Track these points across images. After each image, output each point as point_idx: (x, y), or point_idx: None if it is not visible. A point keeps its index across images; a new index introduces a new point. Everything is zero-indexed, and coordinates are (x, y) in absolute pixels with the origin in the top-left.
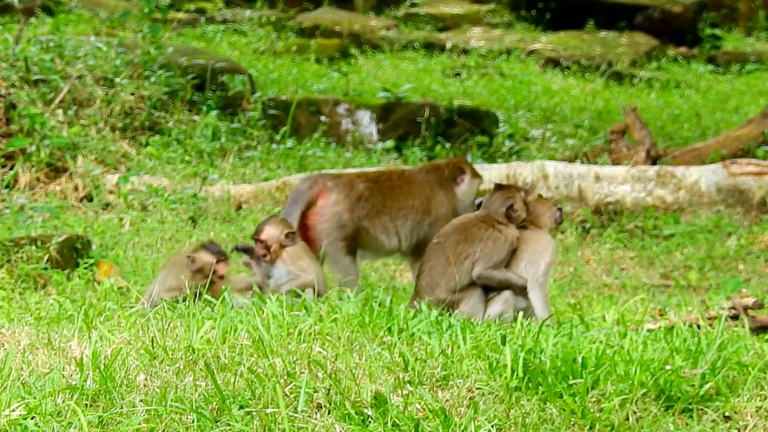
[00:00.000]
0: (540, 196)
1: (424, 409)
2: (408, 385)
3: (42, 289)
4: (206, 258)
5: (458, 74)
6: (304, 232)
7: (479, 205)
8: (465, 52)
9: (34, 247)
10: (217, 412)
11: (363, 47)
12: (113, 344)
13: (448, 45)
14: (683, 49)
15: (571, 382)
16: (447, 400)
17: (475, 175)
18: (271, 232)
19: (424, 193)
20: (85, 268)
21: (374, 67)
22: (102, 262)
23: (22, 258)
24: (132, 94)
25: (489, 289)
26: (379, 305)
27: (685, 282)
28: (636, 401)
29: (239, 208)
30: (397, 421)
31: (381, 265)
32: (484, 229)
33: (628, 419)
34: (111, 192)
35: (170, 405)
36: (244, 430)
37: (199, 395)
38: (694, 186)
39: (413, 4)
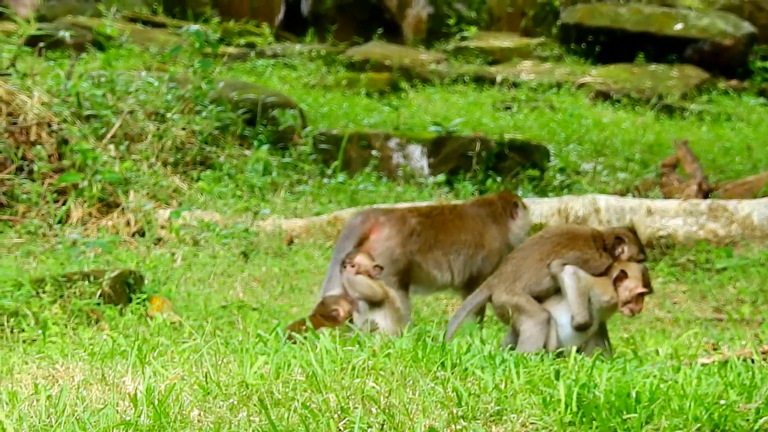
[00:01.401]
0: (637, 269)
1: None
2: (461, 420)
3: (95, 325)
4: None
5: (509, 108)
6: None
7: None
8: (515, 85)
9: (86, 283)
10: None
11: (413, 81)
12: (167, 380)
13: (499, 78)
14: (734, 82)
15: (625, 416)
16: None
17: (526, 207)
18: (363, 261)
19: (476, 227)
20: (138, 303)
21: (424, 100)
22: (154, 297)
23: (74, 293)
24: (183, 128)
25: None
26: (432, 340)
27: (738, 316)
28: None
29: (291, 242)
30: None
31: (433, 300)
32: (588, 246)
33: None
34: (163, 227)
35: None
36: None
37: (253, 431)
38: (746, 219)
39: (463, 38)
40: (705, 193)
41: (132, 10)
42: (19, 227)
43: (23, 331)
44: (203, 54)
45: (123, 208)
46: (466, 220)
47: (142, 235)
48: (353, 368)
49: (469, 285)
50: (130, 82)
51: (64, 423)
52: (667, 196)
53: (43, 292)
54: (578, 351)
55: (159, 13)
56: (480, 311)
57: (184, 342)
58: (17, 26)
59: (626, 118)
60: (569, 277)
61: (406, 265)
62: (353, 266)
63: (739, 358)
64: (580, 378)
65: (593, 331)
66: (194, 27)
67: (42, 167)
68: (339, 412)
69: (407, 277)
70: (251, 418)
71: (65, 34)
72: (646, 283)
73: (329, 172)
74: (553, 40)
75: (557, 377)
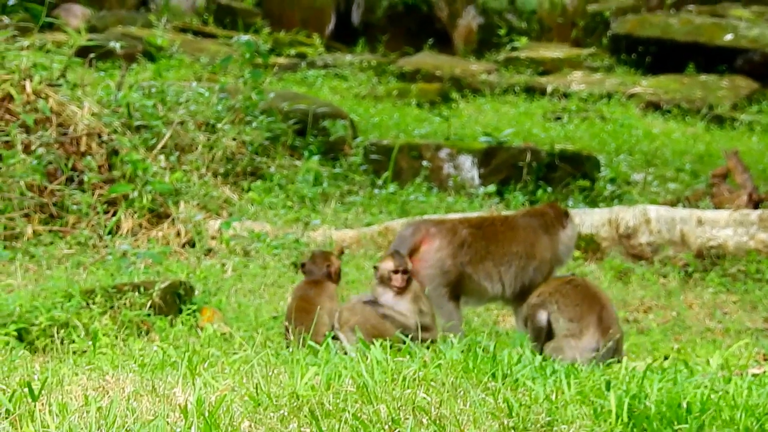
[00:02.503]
0: None
1: None
2: (512, 430)
3: (145, 336)
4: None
5: (559, 118)
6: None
7: None
8: (566, 95)
9: (137, 294)
10: None
11: (464, 91)
12: (217, 391)
13: (549, 89)
14: None
15: (676, 427)
16: None
17: (573, 218)
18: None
19: (528, 238)
20: (188, 314)
21: (475, 111)
22: (205, 308)
23: (125, 304)
24: (234, 139)
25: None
26: (483, 350)
27: None
28: None
29: (342, 253)
30: None
31: (484, 310)
32: None
33: None
34: (213, 238)
35: None
36: None
37: None
38: None
39: (514, 48)
40: (755, 204)
41: (182, 20)
42: (70, 238)
43: (73, 342)
44: (254, 64)
45: (173, 219)
46: (518, 231)
47: (193, 245)
48: (404, 379)
49: (520, 296)
50: (181, 93)
51: None
52: (718, 206)
53: (94, 303)
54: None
55: (209, 24)
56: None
57: (234, 353)
58: (68, 37)
59: (677, 128)
60: None
61: (457, 277)
62: (406, 274)
63: None
64: (631, 388)
65: None
66: (245, 37)
67: (92, 178)
68: (390, 423)
69: (458, 289)
70: (302, 429)
71: (116, 45)
72: None
73: (380, 182)
74: (604, 50)
75: (608, 388)
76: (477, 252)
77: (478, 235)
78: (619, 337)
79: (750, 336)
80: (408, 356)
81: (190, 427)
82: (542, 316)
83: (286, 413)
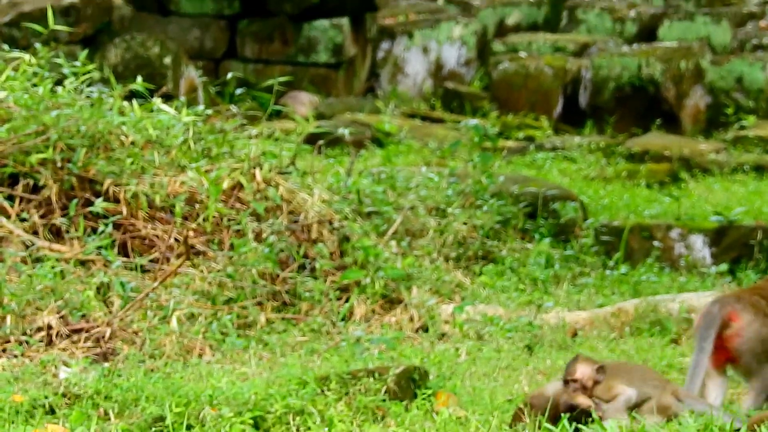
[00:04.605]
0: None
1: None
2: None
3: (381, 421)
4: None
5: None
6: (717, 352)
7: None
8: None
9: (371, 379)
10: None
11: (693, 171)
12: None
13: None
14: None
15: None
16: None
17: None
18: (585, 369)
19: None
20: (423, 399)
21: (705, 190)
22: (440, 392)
23: (359, 390)
24: (464, 223)
25: None
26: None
27: None
28: None
29: (575, 335)
30: None
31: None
32: None
33: None
34: (446, 322)
35: None
36: None
37: None
38: None
39: (742, 127)
40: None
41: (410, 106)
42: (303, 325)
43: (309, 429)
44: (483, 148)
45: (406, 304)
46: None
47: (426, 330)
48: None
49: None
50: (411, 178)
51: None
52: None
53: (329, 390)
54: None
55: (437, 108)
56: None
57: None
58: (296, 124)
59: None
60: None
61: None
62: (575, 381)
63: None
64: None
65: None
66: (473, 121)
67: (324, 265)
68: None
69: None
70: None
71: (344, 131)
72: None
73: (611, 263)
74: None
75: None
76: None
77: None
78: None
79: None
80: None
81: None
82: None
83: None
